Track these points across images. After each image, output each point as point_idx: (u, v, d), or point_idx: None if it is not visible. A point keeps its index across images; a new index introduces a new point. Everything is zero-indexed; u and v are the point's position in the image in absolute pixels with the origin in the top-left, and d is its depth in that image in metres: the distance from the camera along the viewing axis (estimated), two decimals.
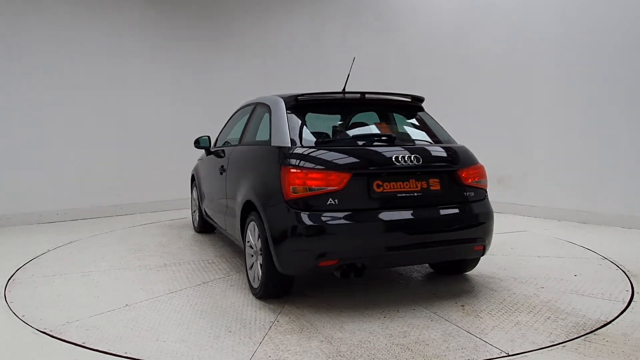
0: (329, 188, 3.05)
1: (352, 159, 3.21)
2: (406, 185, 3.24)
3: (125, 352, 2.68)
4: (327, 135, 3.62)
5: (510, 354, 2.62)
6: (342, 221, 3.04)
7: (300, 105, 3.64)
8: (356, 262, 3.10)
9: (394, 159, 3.23)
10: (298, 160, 3.15)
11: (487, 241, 3.49)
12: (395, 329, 2.96)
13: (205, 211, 5.48)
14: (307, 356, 2.61)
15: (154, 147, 7.81)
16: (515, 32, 6.96)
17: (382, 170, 3.20)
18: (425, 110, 4.07)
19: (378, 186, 3.17)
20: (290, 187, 3.07)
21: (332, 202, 3.06)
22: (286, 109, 3.59)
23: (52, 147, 6.87)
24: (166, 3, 8.01)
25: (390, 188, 3.20)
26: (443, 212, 3.30)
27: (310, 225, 3.01)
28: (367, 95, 3.74)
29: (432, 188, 3.31)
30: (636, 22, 5.85)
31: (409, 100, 3.96)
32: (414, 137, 3.81)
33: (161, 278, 4.11)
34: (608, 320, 3.07)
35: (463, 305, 3.34)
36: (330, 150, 3.28)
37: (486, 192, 3.61)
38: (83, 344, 2.78)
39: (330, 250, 3.04)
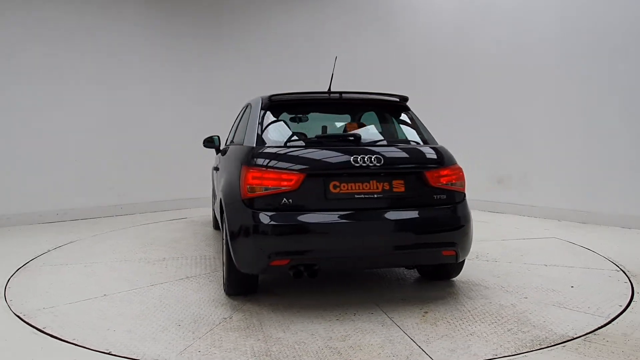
0: (283, 188, 3.06)
1: (307, 159, 3.21)
2: (366, 186, 3.15)
3: (73, 339, 2.85)
4: (297, 135, 3.63)
5: (506, 355, 2.62)
6: (294, 221, 3.04)
7: (275, 105, 3.67)
8: (308, 263, 3.08)
9: (352, 160, 3.14)
10: (256, 160, 3.18)
11: (461, 247, 3.30)
12: (339, 332, 2.91)
13: (213, 209, 5.71)
14: (235, 354, 2.65)
15: (154, 147, 7.81)
16: (515, 32, 6.96)
17: (338, 171, 3.15)
18: (411, 109, 3.93)
19: (335, 187, 3.11)
20: (247, 186, 3.10)
21: (287, 202, 3.05)
22: (261, 109, 3.63)
23: (52, 147, 6.87)
24: (167, 2, 8.01)
25: (347, 189, 3.13)
26: (405, 214, 3.16)
27: (262, 224, 3.02)
28: (344, 95, 3.71)
29: (395, 190, 3.18)
30: (636, 22, 5.86)
31: (390, 99, 3.85)
32: (386, 137, 3.76)
33: (151, 271, 4.27)
34: (608, 320, 3.07)
35: (426, 312, 3.22)
36: (289, 150, 3.28)
37: (463, 195, 3.45)
38: (43, 329, 2.93)
39: (282, 250, 3.04)
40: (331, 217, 3.07)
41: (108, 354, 2.66)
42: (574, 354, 2.61)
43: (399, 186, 3.20)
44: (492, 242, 5.21)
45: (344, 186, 3.13)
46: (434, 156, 3.46)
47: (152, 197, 7.81)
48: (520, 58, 6.93)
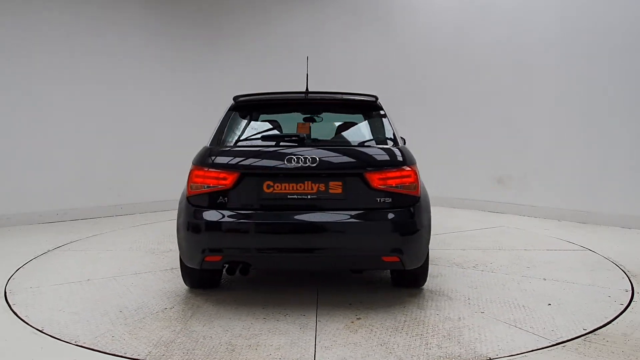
0: (220, 187, 3.16)
1: (242, 159, 3.29)
2: (300, 187, 3.14)
3: (26, 316, 3.18)
4: (248, 135, 3.70)
5: (502, 355, 2.62)
6: (226, 219, 3.13)
7: (240, 106, 3.75)
8: (240, 261, 3.21)
9: (286, 161, 3.15)
10: (201, 159, 3.32)
11: (407, 254, 3.13)
12: (252, 331, 2.95)
13: None
14: (140, 342, 2.80)
15: (154, 147, 7.80)
16: (515, 32, 6.97)
17: (272, 171, 3.18)
18: (382, 109, 3.77)
19: (268, 187, 3.15)
20: (191, 184, 3.26)
21: (222, 200, 3.16)
22: (228, 110, 3.73)
23: (53, 147, 6.86)
24: (167, 3, 8.00)
25: (280, 189, 3.15)
26: (339, 217, 3.09)
27: (198, 221, 3.15)
28: (311, 95, 3.72)
29: (331, 191, 3.13)
30: (636, 22, 5.86)
31: (358, 99, 3.79)
32: (337, 138, 3.72)
33: (145, 261, 4.57)
34: (608, 320, 3.07)
35: (359, 319, 3.14)
36: (230, 150, 3.41)
37: (415, 199, 3.22)
38: (12, 304, 3.11)
39: (214, 247, 3.14)
40: (262, 216, 3.14)
41: (108, 354, 2.66)
42: (574, 354, 2.61)
43: (336, 188, 3.14)
44: (507, 252, 4.83)
45: (277, 186, 3.15)
46: (380, 157, 3.31)
47: (152, 197, 7.80)
48: (520, 58, 6.93)
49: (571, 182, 6.49)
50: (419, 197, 3.26)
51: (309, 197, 3.13)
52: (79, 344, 2.79)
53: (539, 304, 3.40)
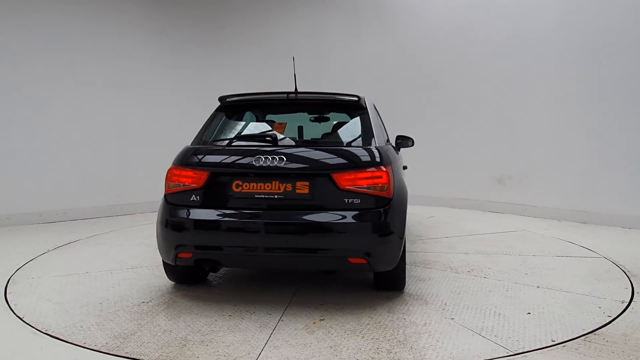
0: (192, 185, 3.26)
1: (212, 159, 3.40)
2: (267, 186, 3.16)
3: (15, 304, 3.37)
4: (227, 135, 3.74)
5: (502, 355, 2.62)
6: (197, 217, 3.21)
7: (226, 106, 3.83)
8: (209, 258, 3.30)
9: (254, 161, 3.19)
10: (177, 158, 3.45)
11: (376, 256, 3.09)
12: (212, 327, 2.99)
13: None
14: (104, 333, 2.92)
15: (154, 147, 7.80)
16: (515, 32, 6.97)
17: (240, 170, 3.23)
18: (366, 109, 3.70)
19: (237, 186, 3.20)
20: (168, 182, 3.38)
21: (195, 198, 3.25)
22: (215, 110, 3.84)
23: (52, 147, 6.87)
24: (168, 4, 8.00)
25: (249, 189, 3.18)
26: (305, 217, 3.09)
27: (171, 219, 3.26)
28: (299, 96, 3.73)
29: (298, 191, 3.13)
30: (636, 22, 5.86)
31: (342, 99, 3.75)
32: (312, 138, 3.71)
33: (146, 256, 4.75)
34: (608, 320, 3.07)
35: (322, 319, 3.12)
36: (203, 149, 3.47)
37: (386, 200, 3.15)
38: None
39: (185, 244, 3.22)
40: (230, 215, 3.18)
41: (108, 353, 2.66)
42: (574, 354, 2.61)
43: (303, 188, 3.14)
44: (512, 257, 4.64)
45: (245, 186, 3.19)
46: (350, 158, 3.26)
47: (152, 197, 7.79)
48: (520, 58, 6.93)
49: (571, 182, 6.49)
50: (391, 199, 3.17)
51: (275, 197, 3.15)
52: (48, 332, 2.91)
53: (518, 313, 3.22)
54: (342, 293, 3.63)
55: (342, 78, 8.37)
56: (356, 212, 3.08)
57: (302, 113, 4.05)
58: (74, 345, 2.76)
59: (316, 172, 3.18)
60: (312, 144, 3.69)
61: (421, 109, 7.93)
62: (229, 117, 3.87)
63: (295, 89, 3.93)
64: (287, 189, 3.14)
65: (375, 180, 3.14)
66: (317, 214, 3.09)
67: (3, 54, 6.48)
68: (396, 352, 2.65)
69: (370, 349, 2.69)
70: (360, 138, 3.53)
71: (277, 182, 3.16)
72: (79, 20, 7.07)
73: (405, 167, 4.92)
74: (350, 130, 3.70)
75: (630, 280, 3.89)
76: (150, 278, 4.04)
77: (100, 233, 6.00)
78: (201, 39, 8.37)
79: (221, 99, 3.82)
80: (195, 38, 8.30)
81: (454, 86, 7.66)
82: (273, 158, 3.18)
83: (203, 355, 2.63)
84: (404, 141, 4.71)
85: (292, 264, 3.32)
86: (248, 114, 4.04)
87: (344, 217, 3.08)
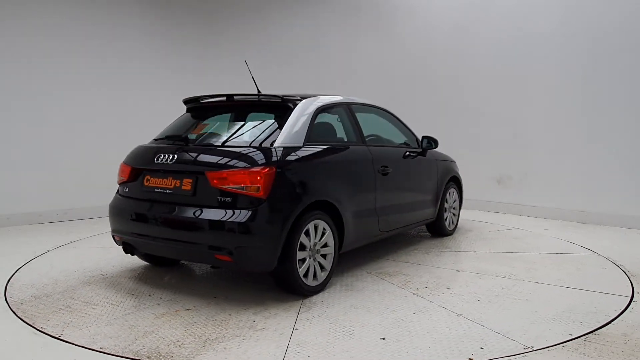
0: (122, 179, 3.88)
1: (133, 155, 3.91)
2: (164, 182, 3.53)
3: (15, 304, 3.45)
4: (165, 135, 4.06)
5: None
6: (117, 205, 3.84)
7: (188, 108, 4.33)
8: (127, 242, 3.74)
9: (155, 158, 3.61)
10: (129, 154, 3.97)
11: (238, 254, 3.16)
12: (179, 321, 3.08)
13: None
14: (62, 315, 3.19)
15: None
16: (515, 32, 6.96)
17: (145, 166, 3.68)
18: (291, 110, 3.69)
19: (147, 180, 3.66)
20: (118, 176, 3.93)
21: (125, 190, 3.84)
22: (186, 111, 4.33)
23: (52, 147, 6.86)
24: (168, 5, 8.00)
25: (152, 183, 3.61)
26: (181, 211, 3.37)
27: (110, 206, 3.94)
28: (230, 98, 3.90)
29: (183, 188, 3.43)
30: (636, 23, 5.86)
31: (266, 101, 3.89)
32: (217, 138, 3.79)
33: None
34: (608, 320, 3.07)
35: (188, 310, 3.28)
36: (137, 147, 4.00)
37: (257, 201, 3.18)
38: (8, 293, 3.35)
39: (114, 229, 3.87)
40: (137, 205, 3.65)
41: (107, 354, 2.66)
42: (574, 354, 2.61)
43: (187, 184, 3.42)
44: (514, 257, 4.62)
45: (151, 180, 3.63)
46: (226, 158, 3.37)
47: None
48: (520, 58, 6.93)
49: (571, 182, 6.49)
50: (264, 200, 3.19)
51: (167, 191, 3.51)
52: (48, 332, 2.96)
53: (517, 312, 3.17)
54: (266, 292, 3.63)
55: (342, 78, 8.37)
56: (225, 211, 3.23)
57: (233, 113, 4.21)
58: (74, 345, 2.76)
59: (195, 170, 3.42)
60: (209, 144, 3.73)
61: (421, 109, 7.92)
62: (195, 117, 4.22)
63: (258, 91, 4.29)
64: (176, 185, 3.47)
65: (246, 181, 3.20)
66: (194, 210, 3.32)
67: (2, 54, 6.48)
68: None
69: (128, 336, 2.89)
70: (264, 138, 3.52)
71: (171, 178, 3.50)
72: (79, 21, 7.06)
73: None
74: (257, 130, 3.73)
75: (630, 280, 3.89)
76: (150, 278, 4.05)
77: (100, 233, 6.00)
78: (202, 41, 8.36)
79: (184, 101, 4.31)
80: (196, 40, 8.29)
81: (454, 86, 7.66)
82: (168, 157, 3.53)
83: (163, 347, 2.73)
84: (429, 142, 5.22)
85: (174, 253, 3.68)
86: (194, 115, 4.27)
87: (213, 214, 3.25)
